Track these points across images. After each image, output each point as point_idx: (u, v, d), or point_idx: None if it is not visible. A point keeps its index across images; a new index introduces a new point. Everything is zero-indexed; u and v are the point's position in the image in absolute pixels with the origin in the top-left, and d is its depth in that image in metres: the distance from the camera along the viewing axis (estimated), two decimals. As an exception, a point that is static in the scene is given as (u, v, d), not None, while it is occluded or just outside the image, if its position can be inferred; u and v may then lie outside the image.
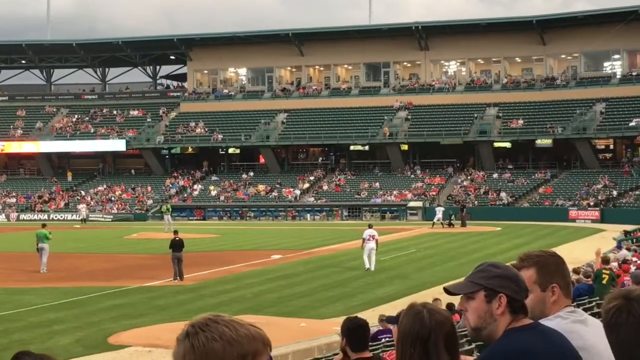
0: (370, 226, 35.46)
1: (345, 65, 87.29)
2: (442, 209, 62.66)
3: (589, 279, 18.31)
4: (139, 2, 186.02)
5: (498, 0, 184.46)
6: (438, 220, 60.18)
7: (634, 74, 75.87)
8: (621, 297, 2.72)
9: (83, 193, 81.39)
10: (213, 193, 78.04)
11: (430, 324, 3.46)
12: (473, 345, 10.51)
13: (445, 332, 3.51)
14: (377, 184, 75.00)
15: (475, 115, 76.39)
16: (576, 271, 19.35)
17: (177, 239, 31.51)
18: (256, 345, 2.49)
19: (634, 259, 23.59)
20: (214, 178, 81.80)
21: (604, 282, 17.00)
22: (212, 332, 2.47)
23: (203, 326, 2.49)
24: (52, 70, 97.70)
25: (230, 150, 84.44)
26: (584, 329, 3.76)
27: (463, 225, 59.72)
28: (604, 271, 17.38)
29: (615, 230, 44.26)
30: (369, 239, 33.40)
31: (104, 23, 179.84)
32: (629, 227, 44.05)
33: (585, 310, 4.75)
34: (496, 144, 75.33)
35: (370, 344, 8.11)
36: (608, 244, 38.99)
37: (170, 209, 64.65)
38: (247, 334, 2.49)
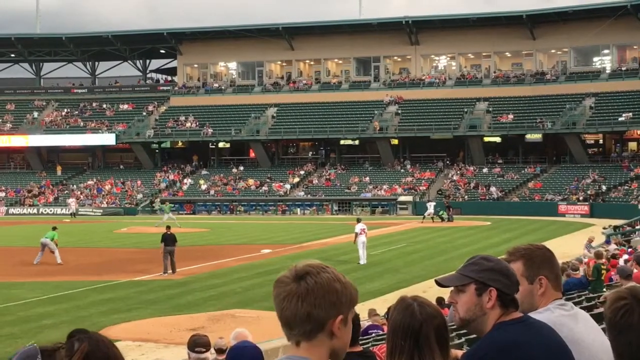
0: (359, 220, 35.60)
1: (336, 60, 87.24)
2: (433, 203, 62.71)
3: (577, 272, 18.35)
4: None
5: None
6: (429, 214, 60.23)
7: (623, 69, 76.07)
8: (628, 296, 2.67)
9: (74, 187, 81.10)
10: (203, 187, 77.95)
11: (422, 317, 3.44)
12: (463, 339, 10.53)
13: (436, 325, 3.50)
14: (367, 178, 75.02)
15: (465, 109, 76.50)
16: (567, 265, 19.43)
17: (168, 233, 31.55)
18: (356, 297, 2.80)
19: (624, 255, 23.58)
20: (204, 172, 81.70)
21: (603, 277, 17.06)
22: (330, 274, 2.72)
23: (322, 269, 2.73)
24: (41, 64, 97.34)
25: (220, 145, 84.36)
26: (574, 322, 3.77)
27: (449, 220, 59.83)
28: (602, 266, 17.42)
29: (604, 225, 44.32)
30: (361, 233, 33.61)
31: (89, 17, 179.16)
32: (618, 222, 44.18)
33: (575, 304, 4.75)
34: (486, 139, 75.46)
35: (360, 338, 8.10)
36: (597, 238, 39.09)
37: (168, 209, 63.82)
38: (351, 284, 2.78)
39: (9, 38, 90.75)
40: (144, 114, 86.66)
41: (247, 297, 25.92)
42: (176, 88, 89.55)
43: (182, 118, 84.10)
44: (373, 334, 14.13)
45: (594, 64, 79.57)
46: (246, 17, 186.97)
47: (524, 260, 3.89)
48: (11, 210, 75.91)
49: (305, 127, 79.38)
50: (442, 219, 59.86)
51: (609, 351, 3.81)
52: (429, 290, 20.85)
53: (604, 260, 18.98)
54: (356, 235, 33.81)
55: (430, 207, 61.46)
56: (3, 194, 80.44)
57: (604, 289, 16.23)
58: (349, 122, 78.29)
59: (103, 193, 79.21)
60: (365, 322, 14.67)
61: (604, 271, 17.20)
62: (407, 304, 3.51)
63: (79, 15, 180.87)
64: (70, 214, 72.02)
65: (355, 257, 34.49)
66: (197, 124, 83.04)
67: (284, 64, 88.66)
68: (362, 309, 18.70)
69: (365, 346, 8.89)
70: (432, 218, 59.76)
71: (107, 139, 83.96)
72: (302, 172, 78.54)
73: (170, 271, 31.06)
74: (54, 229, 36.91)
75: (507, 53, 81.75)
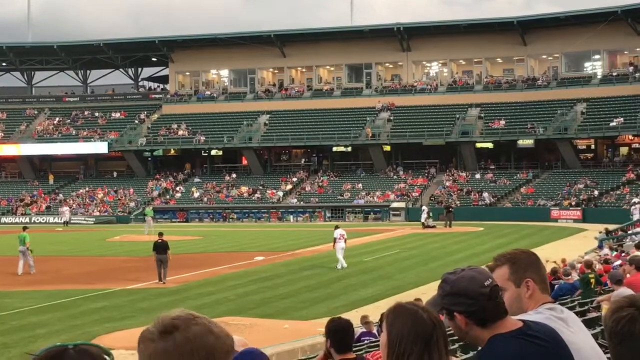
0: (337, 227, 35.83)
1: (328, 67, 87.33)
2: (426, 208, 62.53)
3: (569, 278, 18.41)
4: (104, 6, 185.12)
5: (461, 1, 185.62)
6: (426, 219, 59.97)
7: (614, 74, 76.28)
8: (630, 305, 2.69)
9: (61, 196, 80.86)
10: (196, 195, 77.88)
11: (431, 321, 3.38)
12: (456, 345, 10.55)
13: (443, 330, 3.47)
14: (360, 185, 75.05)
15: (457, 115, 76.59)
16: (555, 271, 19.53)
17: (160, 240, 31.37)
18: (231, 343, 2.53)
19: (617, 261, 23.59)
20: (196, 180, 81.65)
21: (592, 286, 17.10)
22: (201, 326, 2.46)
23: (190, 321, 2.47)
24: (33, 73, 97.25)
25: (213, 152, 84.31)
26: (564, 325, 3.77)
27: (449, 225, 59.68)
28: (590, 275, 17.47)
29: (596, 230, 44.39)
30: (339, 238, 33.96)
31: (69, 25, 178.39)
32: (610, 227, 44.24)
33: (568, 309, 4.76)
34: (478, 145, 75.54)
35: (353, 345, 8.12)
36: (590, 243, 39.21)
37: (150, 212, 64.53)
38: (225, 331, 2.52)
39: (0, 47, 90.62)
40: (136, 122, 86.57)
41: (240, 304, 25.93)
42: (168, 96, 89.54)
43: (175, 126, 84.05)
44: (366, 341, 14.15)
45: (585, 69, 79.80)
46: (231, 24, 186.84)
47: (510, 264, 3.90)
48: (3, 220, 75.71)
49: (298, 134, 79.40)
50: (428, 226, 59.42)
51: (599, 355, 3.84)
52: (423, 297, 20.86)
53: (597, 267, 19.03)
54: (335, 240, 34.18)
55: (424, 212, 61.33)
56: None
57: (596, 294, 16.27)
58: (341, 128, 78.32)
59: (95, 201, 79.09)
60: (357, 329, 14.68)
61: (592, 280, 17.25)
62: (412, 311, 3.43)
63: (62, 23, 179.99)
64: (63, 223, 71.90)
65: (348, 263, 34.58)
66: (190, 131, 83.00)
67: (275, 71, 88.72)
68: (354, 316, 18.73)
69: (358, 353, 8.90)
70: (427, 223, 59.56)
71: (99, 147, 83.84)
72: (294, 179, 78.54)
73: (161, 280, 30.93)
74: (25, 228, 36.50)
75: (498, 59, 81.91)
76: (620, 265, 19.84)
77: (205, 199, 76.74)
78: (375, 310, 20.57)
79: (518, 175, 73.17)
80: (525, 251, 4.02)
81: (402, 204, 70.15)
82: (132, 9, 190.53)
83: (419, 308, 3.45)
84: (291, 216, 72.01)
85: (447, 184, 73.29)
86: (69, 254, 44.43)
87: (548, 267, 19.37)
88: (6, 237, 56.61)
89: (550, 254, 28.10)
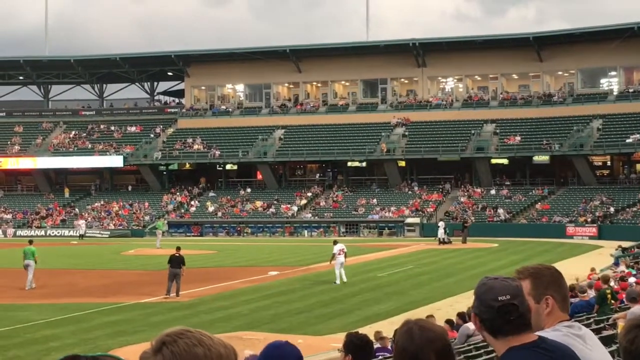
0: (335, 242, 35.86)
1: (343, 82, 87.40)
2: (442, 224, 62.07)
3: (585, 295, 18.29)
4: (117, 19, 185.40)
5: (472, 17, 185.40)
6: (441, 235, 59.63)
7: (630, 90, 76.02)
8: None
9: (77, 210, 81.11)
10: (210, 209, 77.96)
11: (420, 342, 3.38)
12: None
13: (436, 349, 3.43)
14: (375, 200, 74.95)
15: (473, 131, 76.46)
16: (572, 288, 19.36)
17: (177, 254, 31.24)
18: (230, 355, 2.53)
19: (632, 279, 23.43)
20: (211, 194, 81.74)
21: (609, 301, 16.99)
22: (190, 339, 2.50)
23: (180, 335, 2.52)
24: (49, 86, 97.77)
25: (228, 167, 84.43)
26: (582, 343, 3.74)
27: (464, 241, 59.39)
28: (607, 291, 17.35)
29: (612, 247, 44.16)
30: (339, 253, 33.99)
31: (82, 38, 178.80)
32: (626, 244, 44.02)
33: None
34: (493, 161, 75.38)
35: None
36: (605, 260, 39.00)
37: (161, 226, 64.73)
38: (220, 342, 2.54)
39: (17, 60, 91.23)
40: (152, 135, 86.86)
41: (254, 319, 25.87)
42: (184, 110, 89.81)
43: (190, 140, 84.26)
44: (380, 357, 14.10)
45: (601, 85, 79.57)
46: (244, 38, 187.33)
47: (532, 278, 3.87)
48: (19, 232, 75.99)
49: (313, 149, 79.43)
50: (443, 241, 59.08)
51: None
52: (437, 313, 20.80)
53: (612, 283, 18.90)
54: (334, 256, 34.20)
55: (441, 227, 60.97)
56: (10, 216, 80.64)
57: (612, 311, 16.16)
58: (356, 144, 78.32)
59: (111, 215, 79.29)
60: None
61: (609, 295, 17.13)
62: (408, 328, 3.47)
63: (75, 36, 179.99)
64: (79, 236, 72.09)
65: (359, 279, 34.52)
66: (205, 145, 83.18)
67: (291, 86, 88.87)
68: (369, 332, 18.63)
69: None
70: (443, 239, 59.25)
71: (114, 160, 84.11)
72: (309, 194, 78.52)
73: (173, 294, 30.77)
74: (31, 242, 36.56)
75: (514, 75, 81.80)
76: (637, 283, 19.73)
77: (219, 213, 76.81)
78: (389, 326, 20.48)
79: (533, 191, 72.92)
80: (549, 267, 3.99)
81: (416, 220, 70.01)
82: (146, 22, 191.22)
83: (418, 327, 3.45)
84: (305, 231, 71.97)
85: (462, 199, 73.11)
86: (84, 267, 44.51)
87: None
88: (21, 251, 56.81)
89: (566, 271, 27.93)
